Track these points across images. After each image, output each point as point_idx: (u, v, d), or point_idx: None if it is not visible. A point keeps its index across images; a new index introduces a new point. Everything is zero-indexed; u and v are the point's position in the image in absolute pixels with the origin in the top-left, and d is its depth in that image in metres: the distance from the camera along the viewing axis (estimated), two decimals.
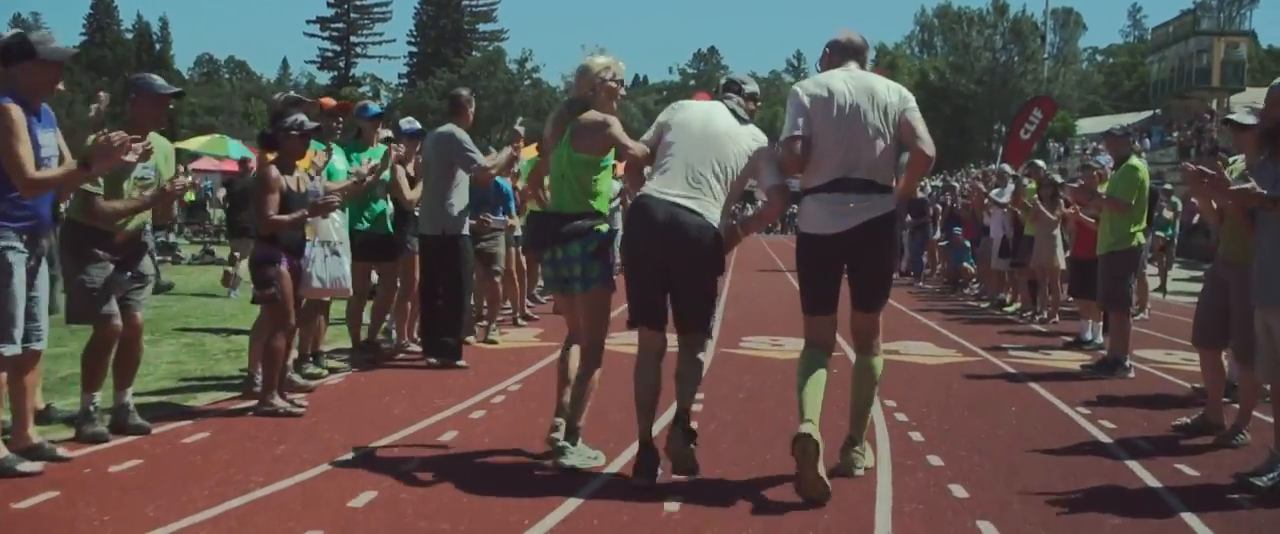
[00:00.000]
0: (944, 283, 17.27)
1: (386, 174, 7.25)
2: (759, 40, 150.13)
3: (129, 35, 77.86)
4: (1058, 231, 11.42)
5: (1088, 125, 55.83)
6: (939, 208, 19.12)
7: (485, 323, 9.23)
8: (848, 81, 4.62)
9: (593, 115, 4.77)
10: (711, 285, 4.66)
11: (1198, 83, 45.36)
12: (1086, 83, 74.09)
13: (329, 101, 7.61)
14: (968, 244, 16.04)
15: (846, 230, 4.53)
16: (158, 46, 76.62)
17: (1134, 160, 8.25)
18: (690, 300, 4.61)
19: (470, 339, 8.57)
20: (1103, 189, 8.63)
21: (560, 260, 4.76)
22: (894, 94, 4.63)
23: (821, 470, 4.30)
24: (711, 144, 4.62)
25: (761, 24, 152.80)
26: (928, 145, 4.57)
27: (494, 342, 8.97)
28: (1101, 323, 9.59)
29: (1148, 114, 49.38)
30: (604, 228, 4.81)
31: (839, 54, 4.79)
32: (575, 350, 4.93)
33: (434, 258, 7.62)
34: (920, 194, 18.45)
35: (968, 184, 17.33)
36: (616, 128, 4.76)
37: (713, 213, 4.54)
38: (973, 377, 7.91)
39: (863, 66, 4.79)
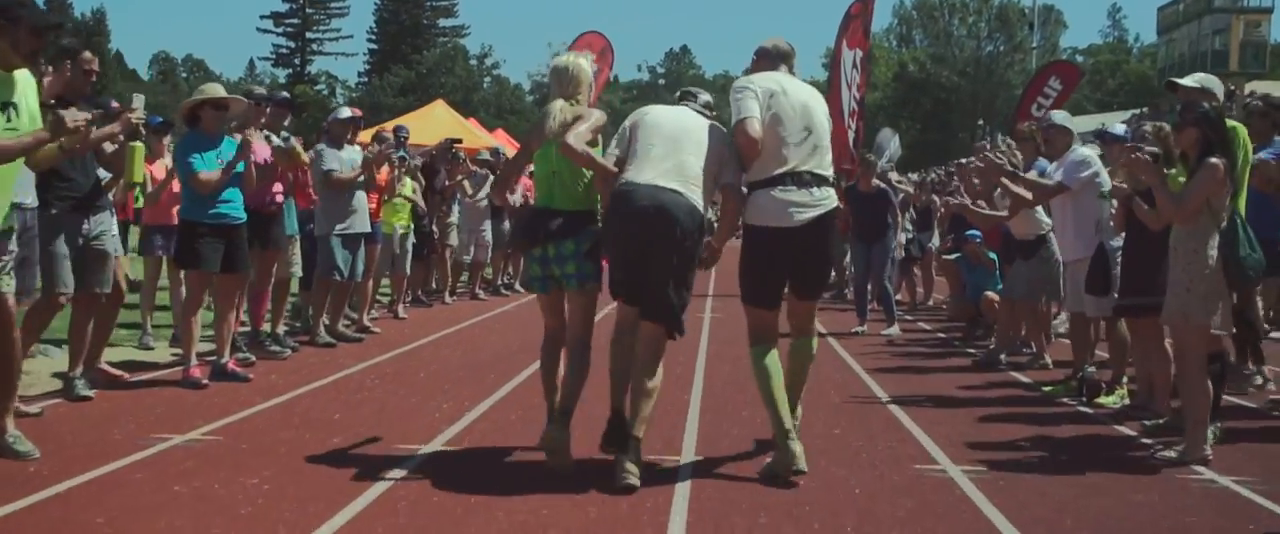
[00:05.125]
0: (949, 324, 10.74)
1: None
2: (731, 39, 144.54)
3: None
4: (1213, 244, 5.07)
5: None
6: (934, 201, 12.83)
7: None
8: (794, 81, 4.75)
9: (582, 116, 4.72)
10: (688, 270, 4.56)
11: (1214, 67, 39.97)
12: None
13: None
14: (994, 257, 9.54)
15: (800, 225, 4.54)
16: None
17: None
18: (662, 281, 4.48)
19: None
20: None
21: (552, 258, 4.69)
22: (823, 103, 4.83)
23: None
24: (687, 137, 4.64)
25: (734, 23, 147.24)
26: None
27: None
28: None
29: (1137, 112, 43.87)
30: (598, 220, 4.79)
31: (768, 60, 4.86)
32: (556, 351, 4.88)
33: None
34: (881, 184, 11.09)
35: (974, 161, 9.56)
36: (591, 140, 4.63)
37: (698, 199, 4.50)
38: None
39: (792, 71, 4.88)
